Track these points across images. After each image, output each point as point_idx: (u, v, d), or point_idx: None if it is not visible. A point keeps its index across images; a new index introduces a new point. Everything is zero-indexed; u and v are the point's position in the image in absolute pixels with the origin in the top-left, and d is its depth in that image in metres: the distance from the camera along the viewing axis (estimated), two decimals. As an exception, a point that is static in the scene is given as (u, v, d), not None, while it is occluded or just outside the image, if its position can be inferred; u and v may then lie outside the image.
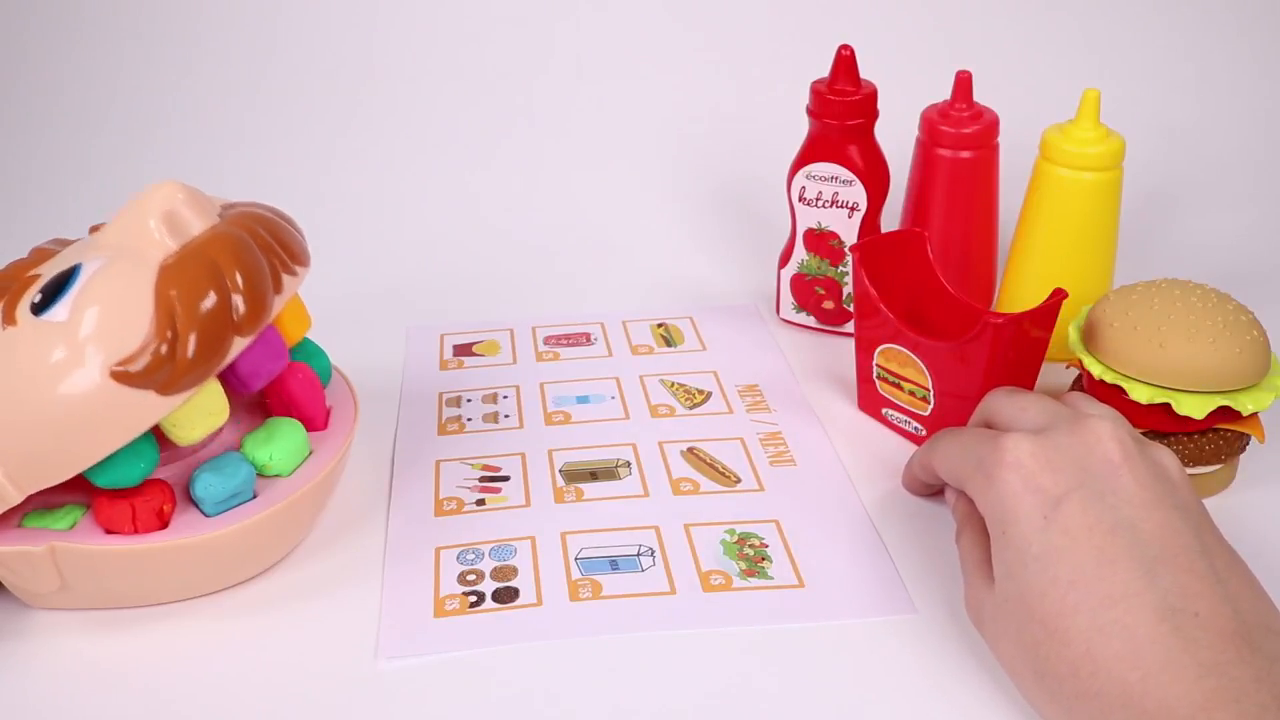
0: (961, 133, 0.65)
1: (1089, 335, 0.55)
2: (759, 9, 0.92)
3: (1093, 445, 0.43)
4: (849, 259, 0.67)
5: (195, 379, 0.44)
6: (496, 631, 0.47)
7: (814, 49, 0.73)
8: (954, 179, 0.66)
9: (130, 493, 0.46)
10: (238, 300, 0.44)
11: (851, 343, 0.62)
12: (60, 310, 0.43)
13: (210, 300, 0.44)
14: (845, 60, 0.64)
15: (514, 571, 0.50)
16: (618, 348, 0.69)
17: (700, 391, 0.64)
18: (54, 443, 0.43)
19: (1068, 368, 0.60)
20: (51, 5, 0.93)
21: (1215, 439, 0.53)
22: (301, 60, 0.93)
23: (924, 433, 0.59)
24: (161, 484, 0.47)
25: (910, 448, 0.58)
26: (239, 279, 0.44)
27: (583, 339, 0.70)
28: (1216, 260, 0.77)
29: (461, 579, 0.50)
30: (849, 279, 0.68)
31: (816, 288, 0.69)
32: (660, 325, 0.72)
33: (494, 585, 0.50)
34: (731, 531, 0.53)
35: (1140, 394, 0.52)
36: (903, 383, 0.58)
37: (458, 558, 0.51)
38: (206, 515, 0.47)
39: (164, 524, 0.46)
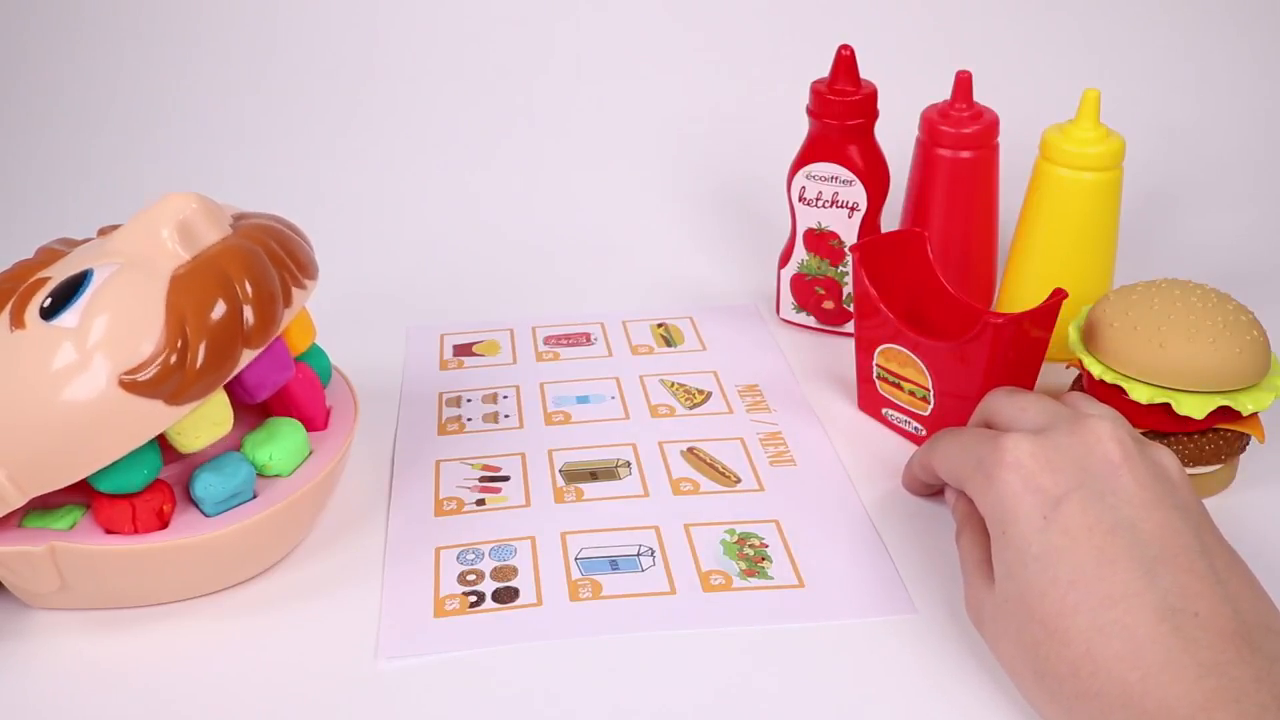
0: (961, 133, 0.65)
1: (1089, 335, 0.55)
2: (759, 9, 0.92)
3: (1093, 445, 0.43)
4: (849, 259, 0.67)
5: (203, 389, 0.44)
6: (496, 631, 0.47)
7: (814, 49, 0.73)
8: (954, 179, 0.66)
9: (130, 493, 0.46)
10: (248, 312, 0.44)
11: (851, 343, 0.62)
12: (70, 316, 0.43)
13: (221, 311, 0.44)
14: (845, 60, 0.64)
15: (514, 571, 0.50)
16: (618, 348, 0.69)
17: (700, 391, 0.64)
18: (59, 448, 0.43)
19: (1068, 368, 0.60)
20: (51, 5, 0.93)
21: (1215, 439, 0.53)
22: (301, 60, 0.92)
23: (924, 433, 0.59)
24: (161, 484, 0.47)
25: (910, 448, 0.58)
26: (250, 291, 0.45)
27: (583, 339, 0.70)
28: (1216, 260, 0.77)
29: (461, 579, 0.50)
30: (849, 279, 0.68)
31: (816, 288, 0.69)
32: (660, 325, 0.72)
33: (494, 585, 0.50)
34: (731, 531, 0.53)
35: (1140, 394, 0.52)
36: (903, 383, 0.58)
37: (458, 558, 0.51)
38: (206, 515, 0.47)
39: (164, 524, 0.46)
